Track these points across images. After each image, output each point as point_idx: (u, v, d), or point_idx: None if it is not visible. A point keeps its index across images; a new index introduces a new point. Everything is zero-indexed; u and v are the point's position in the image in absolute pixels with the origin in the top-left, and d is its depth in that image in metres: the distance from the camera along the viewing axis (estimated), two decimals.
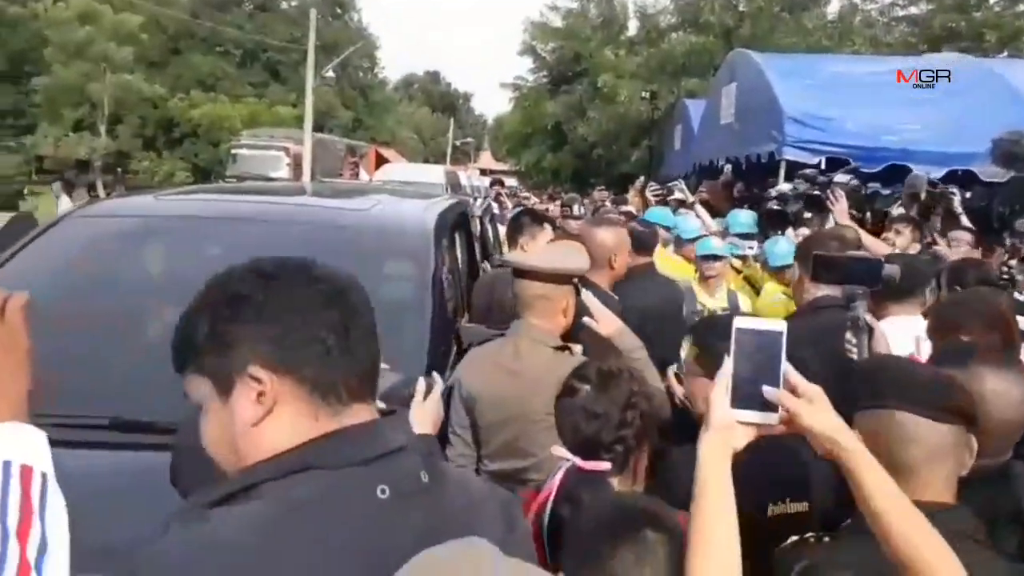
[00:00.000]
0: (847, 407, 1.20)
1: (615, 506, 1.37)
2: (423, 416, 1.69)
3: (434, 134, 64.98)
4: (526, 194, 18.66)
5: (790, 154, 6.50)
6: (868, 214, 6.06)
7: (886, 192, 6.51)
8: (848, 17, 25.42)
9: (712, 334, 1.68)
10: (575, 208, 7.52)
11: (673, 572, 1.15)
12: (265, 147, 23.01)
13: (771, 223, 5.62)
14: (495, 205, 8.14)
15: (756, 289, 4.60)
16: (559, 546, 1.48)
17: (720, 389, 1.12)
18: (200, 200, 3.16)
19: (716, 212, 6.74)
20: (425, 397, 1.70)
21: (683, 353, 1.84)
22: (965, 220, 5.16)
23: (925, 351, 2.35)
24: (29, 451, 0.90)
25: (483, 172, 39.01)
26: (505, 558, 0.81)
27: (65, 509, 0.90)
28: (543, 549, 1.54)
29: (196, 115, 33.27)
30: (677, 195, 6.56)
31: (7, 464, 0.87)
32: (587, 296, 2.31)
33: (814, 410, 1.11)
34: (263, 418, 0.90)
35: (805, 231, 4.97)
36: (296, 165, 22.35)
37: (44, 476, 0.89)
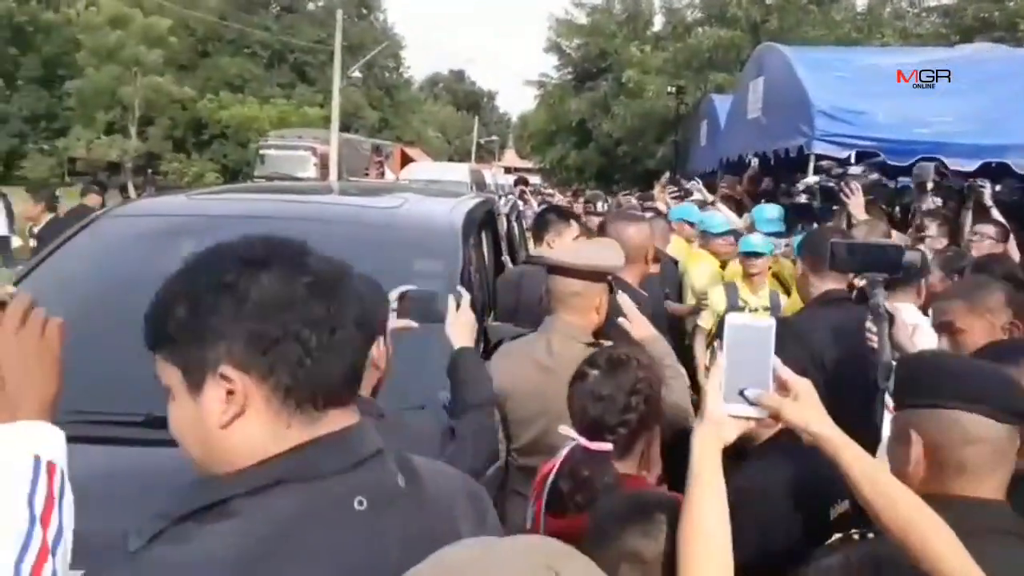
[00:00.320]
0: (869, 398, 1.19)
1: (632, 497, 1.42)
2: (460, 330, 1.82)
3: (459, 133, 65.12)
4: (550, 191, 18.65)
5: (819, 148, 6.39)
6: (897, 209, 5.96)
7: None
8: (877, 9, 25.01)
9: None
10: (598, 205, 7.49)
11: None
12: (292, 147, 23.22)
13: (798, 217, 5.55)
14: (520, 203, 8.15)
15: (783, 284, 4.55)
16: (556, 513, 1.63)
17: (714, 383, 1.15)
18: (232, 199, 3.21)
19: (740, 207, 6.67)
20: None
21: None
22: (996, 213, 5.06)
23: (920, 340, 2.35)
24: (54, 448, 0.97)
25: (507, 170, 39.06)
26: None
27: (72, 503, 0.97)
28: (540, 517, 1.67)
29: (225, 116, 33.68)
30: (696, 196, 6.52)
31: (37, 459, 0.94)
32: (622, 298, 2.32)
33: (798, 405, 1.14)
34: (232, 421, 0.84)
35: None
36: (323, 165, 22.53)
37: (63, 472, 0.97)
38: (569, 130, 29.20)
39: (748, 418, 1.15)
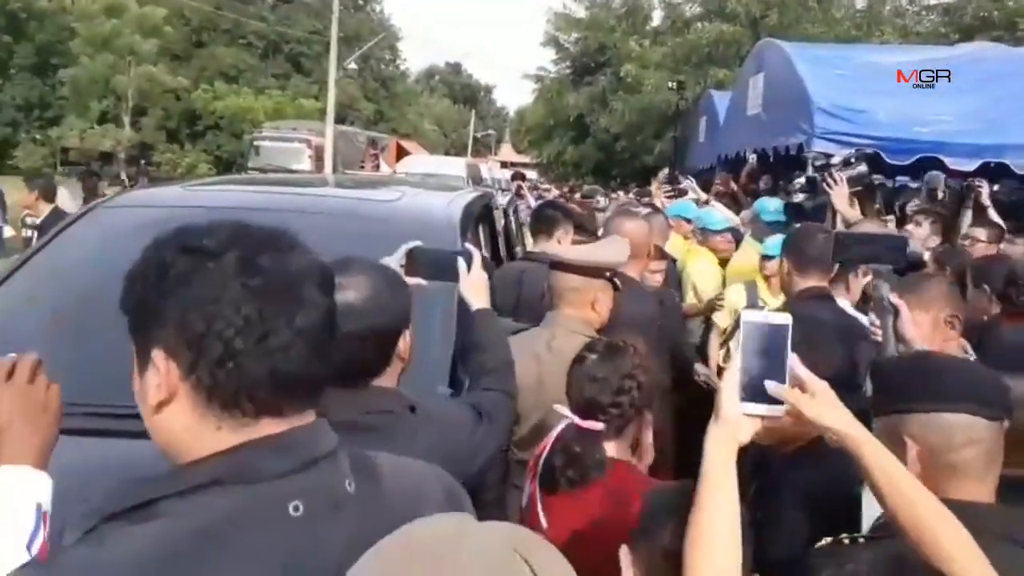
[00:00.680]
0: (842, 393, 1.18)
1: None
2: (474, 288, 1.82)
3: (455, 126, 65.05)
4: (547, 187, 18.62)
5: (819, 146, 6.35)
6: (896, 208, 5.94)
7: (915, 185, 6.38)
8: (877, 6, 25.04)
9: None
10: (599, 200, 7.46)
11: None
12: (287, 139, 23.13)
13: (798, 215, 5.53)
14: (517, 199, 8.12)
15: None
16: (549, 490, 1.73)
17: (730, 382, 1.13)
18: (228, 191, 3.17)
19: (736, 203, 6.65)
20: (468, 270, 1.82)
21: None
22: (993, 213, 5.06)
23: None
24: (48, 496, 1.06)
25: (504, 165, 38.97)
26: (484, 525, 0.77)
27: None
28: (536, 496, 1.76)
29: (219, 107, 33.57)
30: (691, 196, 6.49)
31: (39, 507, 1.04)
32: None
33: (817, 403, 1.12)
34: (160, 407, 0.84)
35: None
36: (318, 157, 22.45)
37: (48, 515, 1.06)
38: (567, 125, 29.17)
39: (765, 416, 1.13)
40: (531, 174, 31.80)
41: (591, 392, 1.76)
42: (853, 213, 3.81)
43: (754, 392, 1.13)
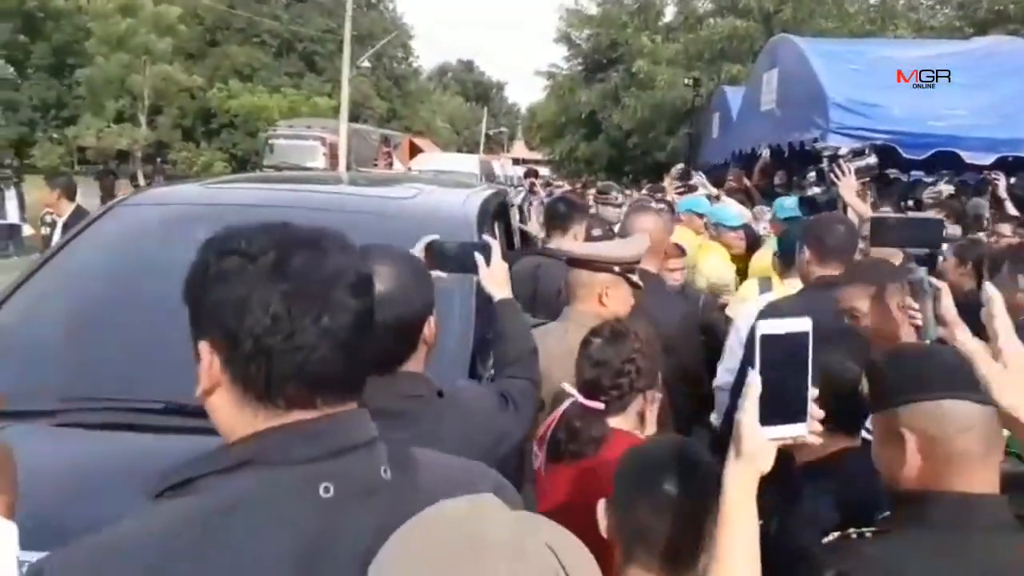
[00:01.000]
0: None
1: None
2: (495, 279, 1.86)
3: (468, 123, 65.02)
4: (559, 183, 18.60)
5: (835, 141, 6.34)
6: (910, 202, 5.91)
7: (929, 180, 6.34)
8: (891, 1, 24.82)
9: None
10: (615, 196, 7.43)
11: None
12: (302, 137, 23.19)
13: (812, 208, 5.51)
14: (530, 195, 8.13)
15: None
16: (554, 460, 1.86)
17: (748, 411, 1.04)
18: (247, 189, 3.21)
19: (749, 198, 6.63)
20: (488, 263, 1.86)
21: None
22: (1010, 206, 5.04)
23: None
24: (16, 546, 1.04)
25: (516, 161, 38.98)
26: (510, 511, 0.80)
27: None
28: (543, 465, 1.89)
29: (234, 106, 33.73)
30: (702, 191, 6.47)
31: (23, 563, 1.02)
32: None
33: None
34: (209, 394, 0.90)
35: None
36: (332, 155, 22.52)
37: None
38: (579, 121, 29.08)
39: (790, 438, 1.06)
40: (544, 171, 31.72)
41: (593, 374, 1.88)
42: (862, 206, 3.63)
43: (777, 412, 1.04)
